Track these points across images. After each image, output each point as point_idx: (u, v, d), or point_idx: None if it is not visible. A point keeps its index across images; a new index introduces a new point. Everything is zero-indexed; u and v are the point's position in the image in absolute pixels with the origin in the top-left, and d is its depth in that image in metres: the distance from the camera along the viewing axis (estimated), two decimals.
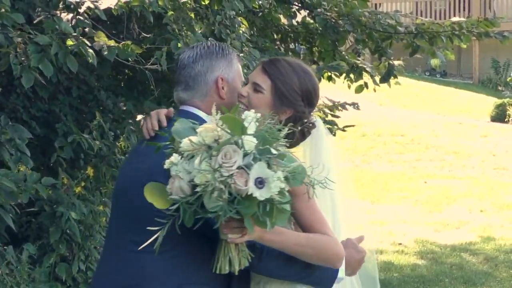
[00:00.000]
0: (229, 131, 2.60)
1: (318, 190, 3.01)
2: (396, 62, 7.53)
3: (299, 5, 7.87)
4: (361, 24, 7.36)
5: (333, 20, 7.34)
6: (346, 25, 7.29)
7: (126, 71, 7.19)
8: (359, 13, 7.33)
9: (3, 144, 4.97)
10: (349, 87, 7.58)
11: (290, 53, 8.04)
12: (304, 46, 8.15)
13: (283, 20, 8.13)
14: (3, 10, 4.63)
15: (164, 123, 3.01)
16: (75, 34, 4.77)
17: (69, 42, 4.70)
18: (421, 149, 16.24)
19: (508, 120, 19.41)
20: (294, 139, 3.01)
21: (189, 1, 5.71)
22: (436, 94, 23.22)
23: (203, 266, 2.86)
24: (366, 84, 7.44)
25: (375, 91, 7.60)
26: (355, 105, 7.88)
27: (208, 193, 2.54)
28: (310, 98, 3.04)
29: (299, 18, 8.12)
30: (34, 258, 5.90)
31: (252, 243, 2.78)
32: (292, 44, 8.20)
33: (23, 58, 4.61)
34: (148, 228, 2.71)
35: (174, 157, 2.65)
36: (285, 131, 2.70)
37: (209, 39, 5.71)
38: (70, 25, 4.86)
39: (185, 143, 2.63)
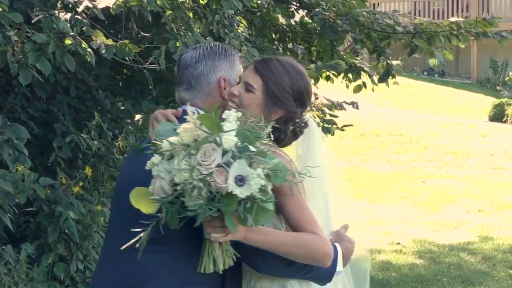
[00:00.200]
0: (206, 130, 2.61)
1: (310, 189, 3.03)
2: (394, 62, 7.53)
3: (297, 4, 7.87)
4: (359, 24, 7.36)
5: (331, 20, 7.34)
6: (344, 25, 7.29)
7: (124, 70, 7.19)
8: (357, 13, 7.33)
9: (1, 144, 4.97)
10: (347, 86, 7.58)
11: (288, 53, 8.05)
12: (302, 46, 8.15)
13: (281, 20, 8.14)
14: (0, 9, 4.63)
15: (175, 122, 3.00)
16: (73, 33, 4.77)
17: (67, 41, 4.70)
18: (419, 149, 16.25)
19: (506, 120, 19.42)
20: (286, 138, 3.02)
21: (187, 1, 5.71)
22: (434, 94, 23.24)
23: None
24: (364, 84, 7.44)
25: (373, 91, 7.60)
26: (354, 104, 7.89)
27: (187, 192, 2.56)
28: (302, 98, 3.02)
29: (297, 17, 8.12)
30: (32, 257, 5.90)
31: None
32: (290, 43, 8.20)
33: (20, 56, 4.61)
34: (131, 229, 2.73)
35: (155, 158, 2.67)
36: (268, 129, 2.72)
37: (208, 38, 5.70)
38: (68, 24, 4.85)
39: (165, 144, 2.65)
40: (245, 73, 3.04)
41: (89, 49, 4.80)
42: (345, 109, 7.91)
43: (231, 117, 2.66)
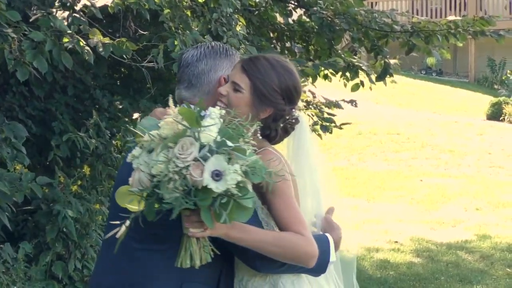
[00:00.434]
0: (186, 124, 2.63)
1: (302, 185, 3.03)
2: (392, 61, 7.53)
3: (295, 3, 7.87)
4: (357, 23, 7.36)
5: (329, 19, 7.34)
6: (342, 24, 7.29)
7: (122, 69, 7.19)
8: (355, 12, 7.33)
9: None
10: (345, 85, 7.58)
11: (286, 52, 8.05)
12: (300, 45, 8.15)
13: (279, 19, 8.13)
14: None
15: None
16: (70, 31, 4.76)
17: (65, 40, 4.71)
18: (417, 148, 16.26)
19: (504, 119, 19.44)
20: (277, 136, 3.02)
21: None
22: (432, 92, 23.25)
23: (203, 264, 2.87)
24: (362, 83, 7.44)
25: (371, 89, 7.61)
26: (353, 103, 7.89)
27: (163, 184, 2.58)
28: (290, 95, 3.01)
29: (295, 16, 8.12)
30: (30, 256, 5.90)
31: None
32: (288, 42, 8.20)
33: (17, 54, 4.61)
34: (110, 222, 2.76)
35: (136, 151, 2.69)
36: (254, 128, 2.74)
37: (206, 37, 5.71)
38: (65, 23, 4.85)
39: (146, 137, 2.68)
40: (232, 72, 3.02)
41: (87, 48, 4.80)
42: (342, 108, 7.91)
43: (214, 113, 2.68)
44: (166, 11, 5.56)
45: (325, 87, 8.29)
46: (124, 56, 5.14)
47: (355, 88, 7.49)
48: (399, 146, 16.37)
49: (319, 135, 7.68)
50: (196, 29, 5.81)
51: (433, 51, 7.66)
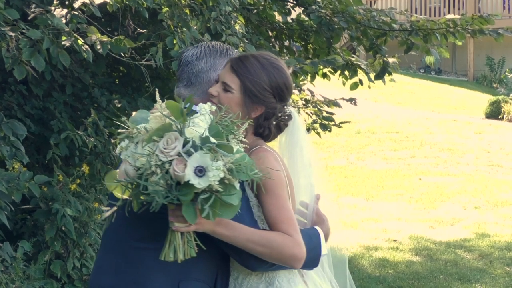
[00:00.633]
0: (173, 118, 2.65)
1: (295, 182, 3.04)
2: (390, 60, 7.52)
3: (294, 2, 7.87)
4: (355, 21, 7.36)
5: (328, 17, 7.34)
6: (341, 22, 7.29)
7: (121, 68, 7.19)
8: (353, 10, 7.33)
9: None
10: (344, 84, 7.59)
11: (285, 51, 8.05)
12: (299, 44, 8.15)
13: (278, 17, 8.13)
14: None
15: None
16: (68, 29, 4.76)
17: (63, 38, 4.70)
18: (416, 146, 16.26)
19: (503, 117, 19.44)
20: (271, 134, 3.02)
21: None
22: (431, 91, 23.25)
23: (200, 262, 2.88)
24: (361, 81, 7.44)
25: (369, 88, 7.61)
26: (352, 101, 7.89)
27: (146, 177, 2.60)
28: (281, 93, 3.01)
29: (293, 15, 8.12)
30: (29, 255, 5.90)
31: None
32: (287, 41, 8.20)
33: (14, 52, 4.61)
34: (103, 209, 2.80)
35: (124, 143, 2.72)
36: (245, 126, 2.75)
37: (205, 35, 5.71)
38: (64, 21, 4.85)
39: (134, 129, 2.72)
40: (222, 72, 3.02)
41: (86, 46, 4.80)
42: (341, 106, 7.91)
43: (204, 109, 2.70)
44: (165, 9, 5.56)
45: (324, 86, 8.30)
46: (123, 54, 5.13)
47: (354, 87, 7.49)
48: (398, 145, 16.37)
49: (318, 133, 7.69)
50: (195, 27, 5.81)
51: (432, 49, 7.66)
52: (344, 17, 7.30)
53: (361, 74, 7.31)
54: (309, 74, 6.88)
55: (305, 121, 7.78)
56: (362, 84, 7.45)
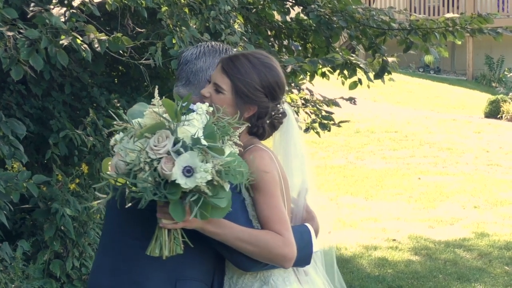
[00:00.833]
0: (168, 117, 2.66)
1: (290, 178, 3.04)
2: (390, 59, 7.52)
3: (293, 1, 7.87)
4: (354, 21, 7.35)
5: (327, 17, 7.34)
6: (340, 22, 7.29)
7: (120, 67, 7.18)
8: (352, 10, 7.33)
9: None
10: (343, 83, 7.58)
11: (284, 50, 8.04)
12: (298, 43, 8.14)
13: (277, 17, 8.13)
14: None
15: None
16: (65, 27, 4.75)
17: (62, 37, 4.70)
18: (415, 146, 16.25)
19: (502, 117, 19.44)
20: (265, 133, 3.02)
21: None
22: (430, 90, 23.25)
23: (198, 261, 2.88)
24: (360, 81, 7.43)
25: (369, 87, 7.60)
26: (352, 100, 7.88)
27: (135, 173, 2.62)
28: (273, 92, 2.99)
29: (292, 14, 8.11)
30: (28, 254, 5.89)
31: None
32: (286, 40, 8.19)
33: (12, 52, 4.60)
34: (97, 192, 2.81)
35: (119, 136, 2.73)
36: (242, 129, 2.77)
37: (204, 34, 5.71)
38: (63, 19, 4.84)
39: (130, 124, 2.73)
40: (213, 73, 3.01)
41: (85, 46, 4.79)
42: (340, 106, 7.90)
43: (201, 109, 2.70)
44: (164, 8, 5.56)
45: (323, 86, 8.29)
46: (121, 52, 5.13)
47: (353, 86, 7.49)
48: (397, 144, 16.36)
49: (317, 133, 7.69)
50: (194, 26, 5.81)
51: (431, 49, 7.65)
52: (343, 16, 7.30)
53: (360, 74, 7.31)
54: (308, 73, 6.88)
55: (304, 120, 7.78)
56: (361, 84, 7.45)
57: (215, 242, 2.84)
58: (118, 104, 6.76)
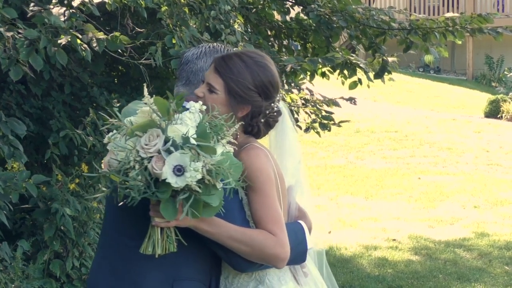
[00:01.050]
0: (160, 115, 2.67)
1: (285, 176, 3.05)
2: (390, 59, 7.51)
3: (293, 1, 7.87)
4: (354, 20, 7.35)
5: (327, 16, 7.33)
6: (340, 21, 7.28)
7: (120, 67, 7.18)
8: (352, 9, 7.32)
9: None
10: (343, 83, 7.58)
11: (284, 50, 8.04)
12: (298, 43, 8.14)
13: (277, 16, 8.13)
14: None
15: None
16: (65, 26, 4.75)
17: (61, 37, 4.69)
18: (415, 145, 16.25)
19: (502, 116, 19.44)
20: (261, 132, 3.02)
21: None
22: (430, 90, 23.25)
23: (195, 261, 2.88)
24: (360, 81, 7.43)
25: (368, 87, 7.59)
26: (352, 100, 7.88)
27: (125, 171, 2.63)
28: (267, 91, 2.99)
29: (292, 14, 8.11)
30: (28, 254, 5.89)
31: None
32: (286, 40, 8.19)
33: (11, 52, 4.60)
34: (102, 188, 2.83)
35: (112, 134, 2.75)
36: (235, 128, 2.77)
37: (204, 34, 5.70)
38: (62, 19, 4.84)
39: (122, 122, 2.74)
40: (207, 73, 3.01)
41: (84, 45, 4.79)
42: (340, 106, 7.90)
43: (194, 108, 2.70)
44: (164, 8, 5.56)
45: (323, 85, 8.29)
46: (121, 52, 5.12)
47: (353, 86, 7.48)
48: (397, 144, 16.36)
49: (317, 132, 7.68)
50: (194, 26, 5.81)
51: (431, 48, 7.65)
52: (343, 16, 7.29)
53: (360, 73, 7.31)
54: (308, 73, 6.87)
55: (305, 120, 7.78)
56: (361, 83, 7.44)
57: (211, 242, 2.84)
58: (118, 104, 6.75)
